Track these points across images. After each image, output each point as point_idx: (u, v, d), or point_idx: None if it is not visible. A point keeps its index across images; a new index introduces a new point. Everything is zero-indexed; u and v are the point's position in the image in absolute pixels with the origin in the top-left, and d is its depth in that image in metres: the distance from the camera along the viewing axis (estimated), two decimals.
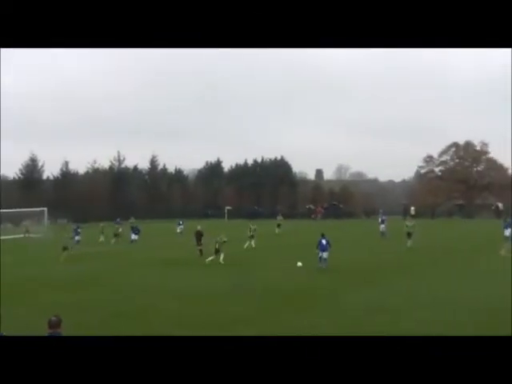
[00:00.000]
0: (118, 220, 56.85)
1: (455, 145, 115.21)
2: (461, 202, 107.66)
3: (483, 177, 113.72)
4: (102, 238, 50.39)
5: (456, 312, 17.02)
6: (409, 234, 41.19)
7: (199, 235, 35.94)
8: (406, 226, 42.40)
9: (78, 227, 49.15)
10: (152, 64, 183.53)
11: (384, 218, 55.04)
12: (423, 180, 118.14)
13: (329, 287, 22.87)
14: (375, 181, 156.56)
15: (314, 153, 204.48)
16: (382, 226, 51.79)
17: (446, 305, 18.20)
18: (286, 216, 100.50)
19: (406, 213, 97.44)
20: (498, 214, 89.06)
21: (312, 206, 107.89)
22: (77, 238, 46.55)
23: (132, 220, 58.82)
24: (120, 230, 50.36)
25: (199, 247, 35.32)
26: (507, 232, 39.88)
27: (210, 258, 32.18)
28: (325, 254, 29.73)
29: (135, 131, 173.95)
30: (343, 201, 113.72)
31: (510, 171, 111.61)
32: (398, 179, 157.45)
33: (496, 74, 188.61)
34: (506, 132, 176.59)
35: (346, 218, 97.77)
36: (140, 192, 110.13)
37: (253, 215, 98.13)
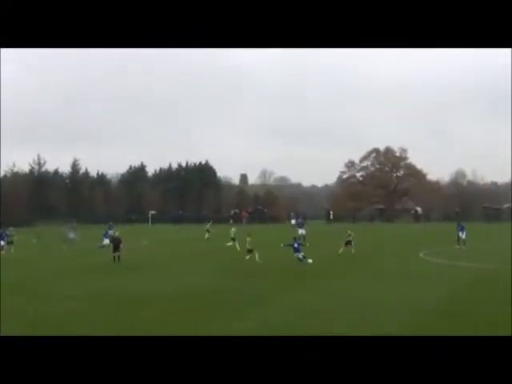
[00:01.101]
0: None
1: (376, 150, 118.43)
2: (381, 206, 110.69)
3: (403, 182, 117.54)
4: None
5: (380, 313, 17.48)
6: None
7: (117, 242, 35.26)
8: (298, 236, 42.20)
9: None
10: (74, 65, 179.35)
11: (300, 221, 55.77)
12: (345, 185, 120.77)
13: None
14: (299, 185, 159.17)
15: (239, 157, 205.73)
16: (301, 230, 49.06)
17: (371, 306, 18.65)
18: (212, 221, 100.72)
19: (328, 217, 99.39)
20: (416, 218, 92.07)
21: (237, 211, 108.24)
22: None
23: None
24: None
25: (116, 253, 34.45)
26: (462, 234, 43.46)
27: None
28: (300, 255, 31.84)
29: (56, 135, 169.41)
30: (268, 205, 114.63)
31: (428, 176, 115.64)
32: (320, 184, 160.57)
33: (415, 78, 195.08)
34: (424, 138, 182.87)
35: (270, 222, 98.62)
36: (61, 196, 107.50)
37: (177, 220, 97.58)
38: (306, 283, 24.77)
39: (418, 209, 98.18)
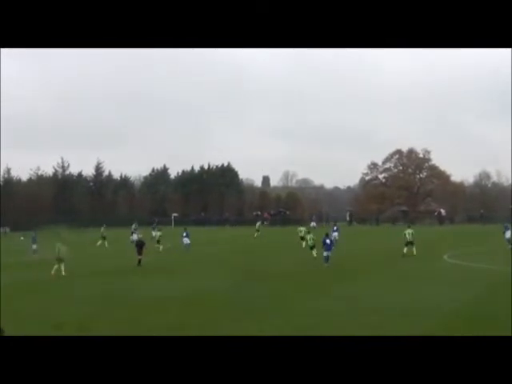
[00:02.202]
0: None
1: (398, 152, 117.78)
2: (404, 208, 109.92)
3: (426, 183, 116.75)
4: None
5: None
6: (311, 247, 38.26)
7: (141, 244, 35.45)
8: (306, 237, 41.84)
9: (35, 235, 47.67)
10: (97, 65, 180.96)
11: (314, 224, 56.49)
12: (367, 187, 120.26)
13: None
14: (321, 187, 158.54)
15: (261, 159, 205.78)
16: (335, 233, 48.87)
17: (392, 309, 18.64)
18: (234, 223, 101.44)
19: (351, 219, 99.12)
20: (440, 219, 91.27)
21: (259, 213, 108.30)
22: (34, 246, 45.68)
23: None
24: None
25: (139, 257, 34.63)
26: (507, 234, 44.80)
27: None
28: (325, 253, 31.64)
29: (79, 137, 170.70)
30: (290, 207, 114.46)
31: (451, 178, 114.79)
32: (343, 186, 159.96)
33: (434, 77, 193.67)
34: (448, 139, 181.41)
35: (292, 224, 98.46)
36: (85, 199, 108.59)
37: (200, 222, 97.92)
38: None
39: (442, 210, 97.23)
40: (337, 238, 48.23)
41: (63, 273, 29.40)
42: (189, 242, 46.71)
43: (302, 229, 50.34)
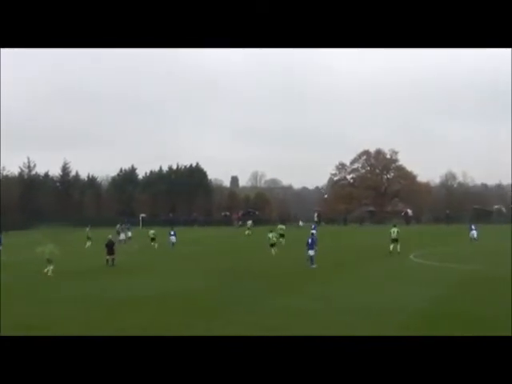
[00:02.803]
0: None
1: (366, 153, 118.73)
2: (371, 208, 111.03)
3: (393, 184, 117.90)
4: None
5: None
6: (272, 245, 41.24)
7: (111, 245, 35.10)
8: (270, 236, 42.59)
9: None
10: (62, 65, 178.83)
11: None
12: (335, 187, 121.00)
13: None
14: (290, 188, 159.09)
15: (230, 160, 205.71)
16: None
17: (359, 309, 18.77)
18: (202, 223, 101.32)
19: (319, 219, 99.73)
20: (407, 220, 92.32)
21: (228, 213, 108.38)
22: None
23: None
24: None
25: (110, 257, 34.30)
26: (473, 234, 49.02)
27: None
28: (310, 252, 31.17)
29: (46, 137, 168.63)
30: (259, 208, 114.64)
31: (418, 178, 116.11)
32: (311, 186, 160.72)
33: (403, 79, 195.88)
34: (414, 140, 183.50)
35: (261, 224, 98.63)
36: (52, 199, 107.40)
37: (168, 223, 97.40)
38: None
39: (409, 211, 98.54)
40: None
41: (50, 273, 29.27)
42: (175, 240, 51.26)
43: (282, 226, 56.19)
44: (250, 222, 77.72)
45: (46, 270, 29.36)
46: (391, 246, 39.18)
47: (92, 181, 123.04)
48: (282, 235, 52.18)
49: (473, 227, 52.09)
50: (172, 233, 52.27)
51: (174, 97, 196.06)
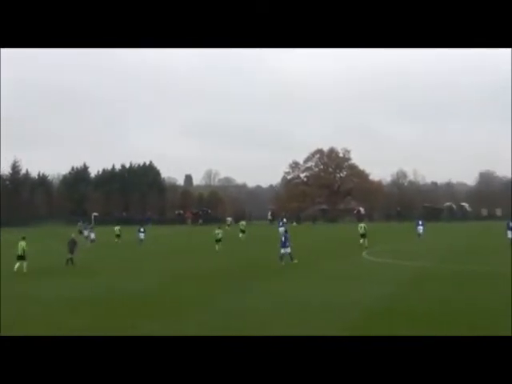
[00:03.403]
0: None
1: (319, 151, 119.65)
2: (325, 206, 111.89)
3: (346, 182, 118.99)
4: None
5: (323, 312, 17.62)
6: (217, 241, 43.05)
7: (73, 243, 34.33)
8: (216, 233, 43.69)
9: None
10: (12, 64, 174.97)
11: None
12: (289, 185, 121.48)
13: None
14: (244, 186, 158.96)
15: (184, 158, 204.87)
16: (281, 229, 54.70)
17: (315, 306, 18.77)
18: (156, 222, 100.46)
19: (273, 217, 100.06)
20: (359, 217, 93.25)
21: (181, 212, 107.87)
22: None
23: None
24: None
25: (70, 255, 33.52)
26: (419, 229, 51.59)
27: None
28: (283, 250, 31.05)
29: None
30: (212, 206, 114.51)
31: (370, 177, 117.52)
32: (265, 185, 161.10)
33: (352, 78, 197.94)
34: (366, 138, 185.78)
35: (215, 223, 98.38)
36: (1, 198, 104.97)
37: (121, 222, 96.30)
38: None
39: (361, 209, 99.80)
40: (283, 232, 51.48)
41: (25, 270, 28.99)
42: (143, 237, 52.91)
43: (243, 222, 61.04)
44: (229, 219, 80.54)
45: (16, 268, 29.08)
46: (361, 241, 42.26)
47: (43, 179, 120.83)
48: (242, 231, 55.77)
49: (420, 223, 54.40)
50: (142, 230, 54.15)
51: (125, 94, 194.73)
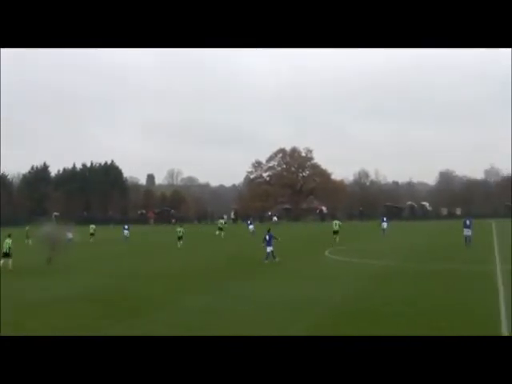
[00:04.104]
0: None
1: (282, 151, 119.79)
2: (288, 206, 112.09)
3: (308, 182, 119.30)
4: None
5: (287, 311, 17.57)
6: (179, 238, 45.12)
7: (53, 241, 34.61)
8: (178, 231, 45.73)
9: None
10: None
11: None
12: (252, 185, 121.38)
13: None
14: (207, 186, 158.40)
15: (146, 157, 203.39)
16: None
17: (280, 304, 18.72)
18: (118, 222, 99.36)
19: (236, 217, 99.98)
20: (322, 217, 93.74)
21: (144, 211, 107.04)
22: None
23: None
24: None
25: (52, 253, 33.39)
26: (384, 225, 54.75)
27: None
28: (269, 249, 31.43)
29: None
30: (175, 206, 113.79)
31: (332, 176, 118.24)
32: (228, 184, 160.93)
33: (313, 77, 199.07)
34: (329, 139, 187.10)
35: (178, 222, 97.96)
36: None
37: (83, 221, 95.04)
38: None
39: (324, 208, 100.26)
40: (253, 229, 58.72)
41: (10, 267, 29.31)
42: (127, 234, 57.23)
43: (222, 220, 64.67)
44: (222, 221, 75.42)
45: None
46: (334, 237, 46.30)
47: (2, 179, 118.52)
48: (220, 229, 58.98)
49: (384, 219, 58.91)
50: (126, 227, 59.08)
51: (87, 93, 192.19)
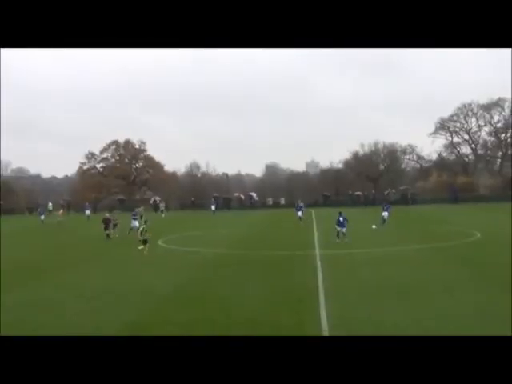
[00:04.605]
0: None
1: (115, 143, 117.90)
2: (121, 196, 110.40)
3: (142, 173, 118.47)
4: None
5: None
6: None
7: (108, 221, 41.38)
8: None
9: None
10: None
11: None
12: (85, 176, 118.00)
13: None
14: (38, 177, 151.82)
15: None
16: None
17: (110, 294, 18.50)
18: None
19: (68, 208, 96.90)
20: (155, 207, 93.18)
21: None
22: None
23: None
24: None
25: (107, 231, 40.67)
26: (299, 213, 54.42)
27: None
28: (344, 230, 33.65)
29: None
30: (3, 197, 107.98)
31: (165, 168, 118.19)
32: (61, 175, 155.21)
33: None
34: (163, 130, 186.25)
35: (7, 214, 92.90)
36: None
37: None
38: None
39: (158, 198, 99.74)
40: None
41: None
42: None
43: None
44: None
45: None
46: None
47: None
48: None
49: (212, 207, 72.17)
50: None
51: None
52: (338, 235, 33.76)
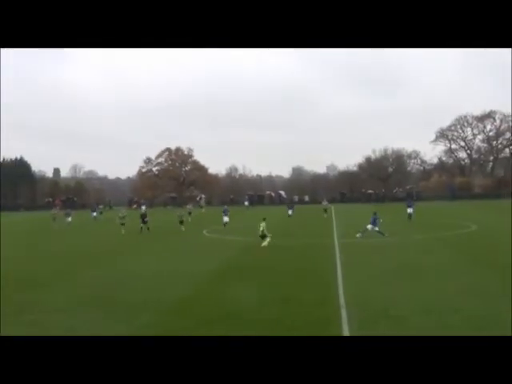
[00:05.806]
0: None
1: (168, 150, 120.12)
2: (173, 194, 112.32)
3: (189, 175, 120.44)
4: None
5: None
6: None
7: (144, 216, 40.02)
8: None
9: None
10: None
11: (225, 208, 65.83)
12: (143, 177, 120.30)
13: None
14: (105, 178, 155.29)
15: (50, 154, 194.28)
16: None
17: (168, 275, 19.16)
18: (28, 208, 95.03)
19: (130, 203, 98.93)
20: (201, 204, 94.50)
21: (51, 199, 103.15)
22: None
23: None
24: None
25: (143, 225, 39.18)
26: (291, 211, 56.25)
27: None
28: (376, 228, 30.50)
29: None
30: (77, 195, 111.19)
31: (209, 171, 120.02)
32: (123, 176, 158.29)
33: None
34: (206, 138, 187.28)
35: (80, 209, 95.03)
36: None
37: None
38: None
39: (203, 196, 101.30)
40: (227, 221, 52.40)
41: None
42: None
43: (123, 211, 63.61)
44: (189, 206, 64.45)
45: None
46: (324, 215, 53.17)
47: None
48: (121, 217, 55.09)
49: (246, 203, 74.28)
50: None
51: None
52: (363, 232, 30.44)
